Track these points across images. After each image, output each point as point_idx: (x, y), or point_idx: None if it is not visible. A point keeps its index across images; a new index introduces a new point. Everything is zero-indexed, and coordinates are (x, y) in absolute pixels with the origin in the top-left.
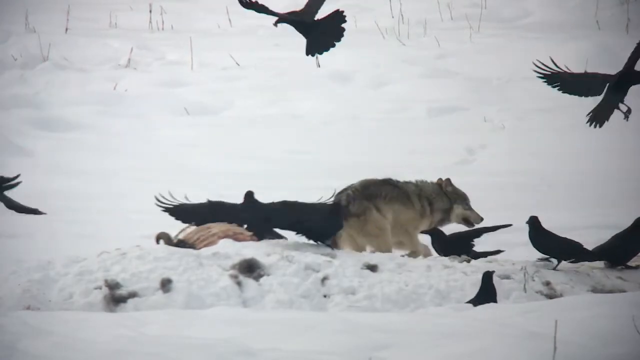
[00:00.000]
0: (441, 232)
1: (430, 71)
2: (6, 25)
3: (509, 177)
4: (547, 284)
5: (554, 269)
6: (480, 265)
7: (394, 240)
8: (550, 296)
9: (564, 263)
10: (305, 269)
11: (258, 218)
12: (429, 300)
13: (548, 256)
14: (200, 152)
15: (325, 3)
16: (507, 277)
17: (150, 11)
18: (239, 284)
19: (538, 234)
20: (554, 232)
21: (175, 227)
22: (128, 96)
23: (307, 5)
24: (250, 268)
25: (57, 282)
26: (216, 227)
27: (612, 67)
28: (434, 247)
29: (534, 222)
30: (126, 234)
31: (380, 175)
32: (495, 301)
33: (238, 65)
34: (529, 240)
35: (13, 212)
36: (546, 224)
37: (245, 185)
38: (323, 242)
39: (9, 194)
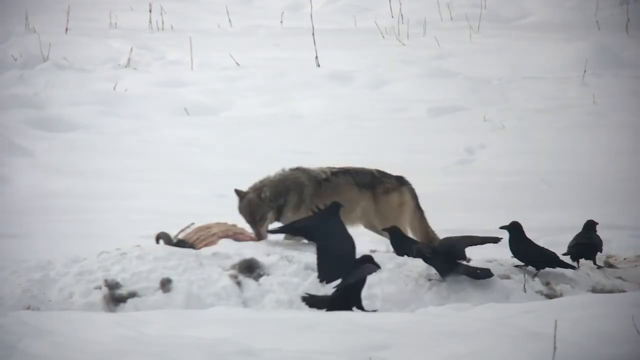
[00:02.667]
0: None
1: (430, 71)
2: (6, 25)
3: (509, 177)
4: (547, 284)
5: (533, 277)
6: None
7: None
8: (550, 296)
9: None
10: (305, 268)
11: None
12: (429, 300)
13: (524, 263)
14: (200, 152)
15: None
16: (507, 277)
17: (150, 11)
18: (238, 283)
19: (517, 241)
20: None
21: (175, 227)
22: (128, 96)
23: None
24: (250, 268)
25: (57, 282)
26: (216, 227)
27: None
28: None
29: (515, 228)
30: (126, 234)
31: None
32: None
33: (238, 65)
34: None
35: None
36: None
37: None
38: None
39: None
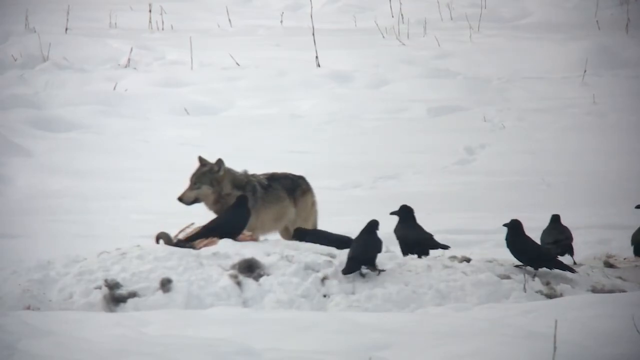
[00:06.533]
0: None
1: (430, 71)
2: (6, 25)
3: (509, 177)
4: (547, 284)
5: (533, 277)
6: (480, 266)
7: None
8: (550, 296)
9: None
10: (305, 268)
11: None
12: (429, 300)
13: (522, 262)
14: (200, 152)
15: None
16: (507, 277)
17: (150, 11)
18: (238, 283)
19: (516, 239)
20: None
21: (175, 227)
22: (128, 96)
23: None
24: (250, 268)
25: (57, 282)
26: None
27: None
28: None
29: (515, 226)
30: (126, 234)
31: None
32: None
33: (238, 65)
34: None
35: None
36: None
37: None
38: (233, 238)
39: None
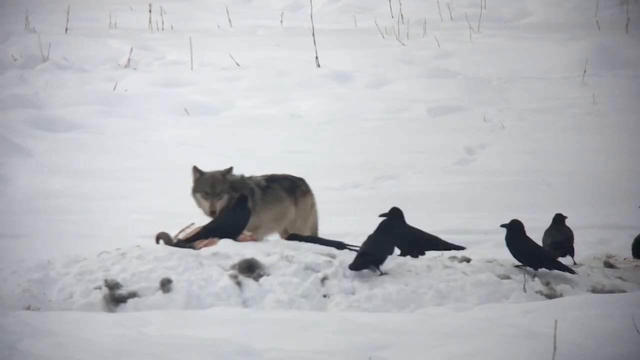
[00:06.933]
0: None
1: (430, 71)
2: (6, 25)
3: (509, 177)
4: (547, 284)
5: (533, 277)
6: (480, 266)
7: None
8: (550, 296)
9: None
10: (305, 269)
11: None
12: (429, 300)
13: (521, 263)
14: (200, 152)
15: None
16: (507, 277)
17: (150, 11)
18: (239, 284)
19: (515, 239)
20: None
21: (175, 227)
22: (128, 96)
23: None
24: (250, 268)
25: (57, 282)
26: None
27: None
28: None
29: (514, 226)
30: (126, 234)
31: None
32: None
33: (238, 65)
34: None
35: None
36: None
37: None
38: (233, 239)
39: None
